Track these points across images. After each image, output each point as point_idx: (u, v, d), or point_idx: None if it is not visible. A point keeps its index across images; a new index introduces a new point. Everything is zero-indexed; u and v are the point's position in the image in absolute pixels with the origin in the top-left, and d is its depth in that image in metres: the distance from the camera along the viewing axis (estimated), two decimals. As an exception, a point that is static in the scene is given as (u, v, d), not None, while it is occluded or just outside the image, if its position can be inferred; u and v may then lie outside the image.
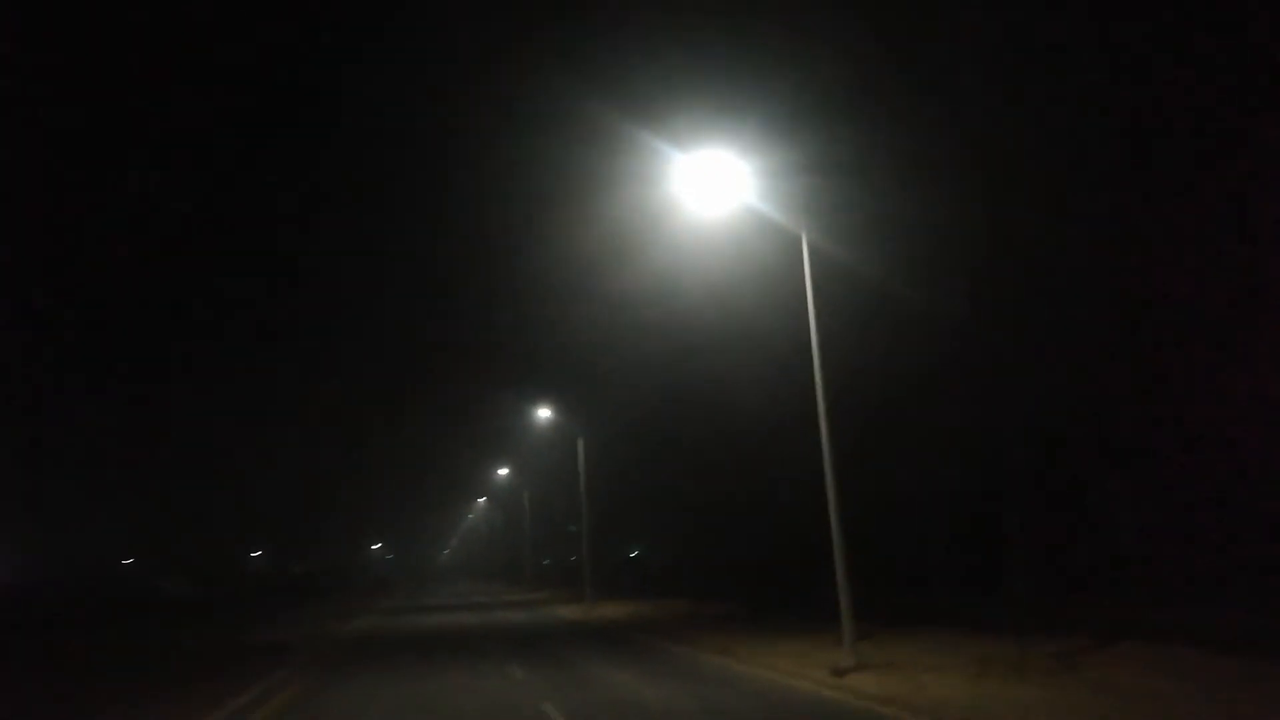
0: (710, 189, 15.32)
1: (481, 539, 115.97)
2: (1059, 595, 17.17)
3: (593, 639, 23.89)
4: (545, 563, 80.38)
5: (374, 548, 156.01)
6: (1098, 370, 16.99)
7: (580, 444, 37.61)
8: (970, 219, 17.77)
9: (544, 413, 42.19)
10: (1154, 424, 16.04)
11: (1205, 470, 15.44)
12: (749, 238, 16.65)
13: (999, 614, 18.05)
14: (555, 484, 52.11)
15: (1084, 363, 17.14)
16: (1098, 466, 16.97)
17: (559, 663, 18.18)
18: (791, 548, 26.36)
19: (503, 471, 68.29)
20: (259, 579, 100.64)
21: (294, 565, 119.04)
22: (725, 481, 33.15)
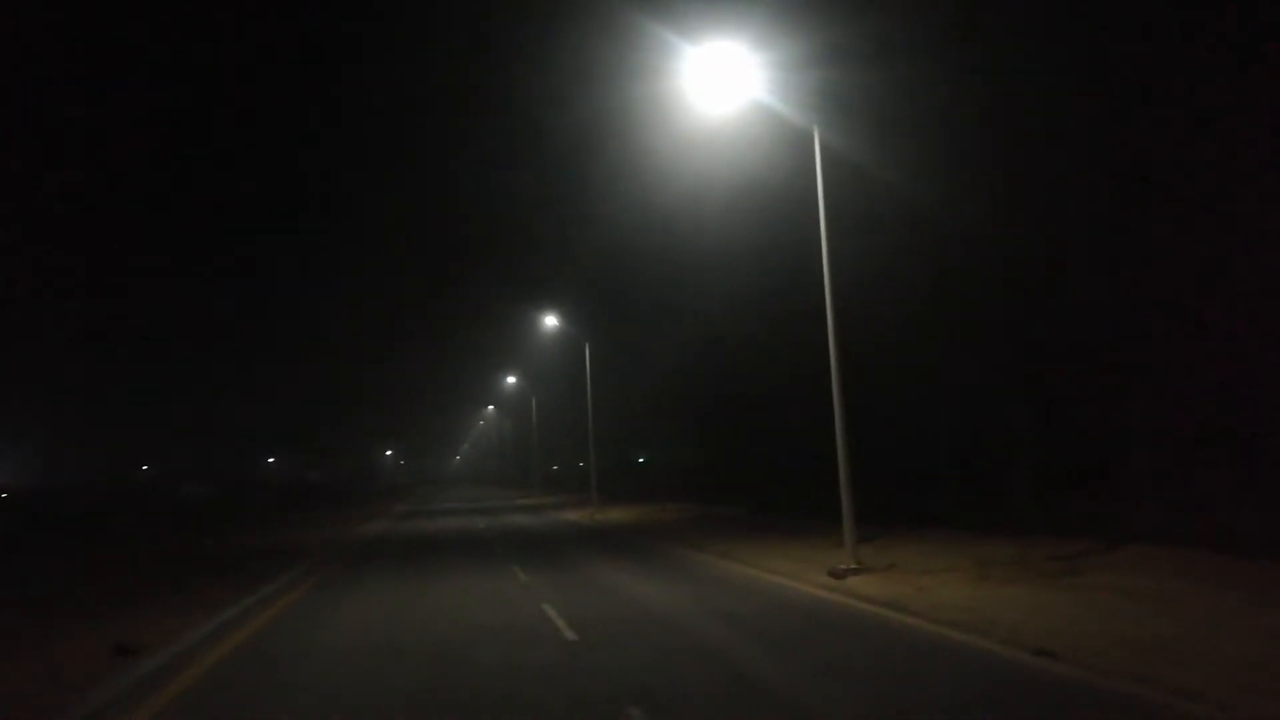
0: (719, 83, 14.68)
1: (492, 446, 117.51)
2: (1064, 499, 17.08)
3: (597, 541, 24.16)
4: (554, 468, 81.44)
5: (387, 454, 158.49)
6: (1114, 268, 16.47)
7: (587, 349, 37.50)
8: (990, 114, 17.03)
9: (551, 320, 41.99)
10: (1169, 317, 15.52)
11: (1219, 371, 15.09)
12: (759, 135, 16.01)
13: (1003, 518, 18.06)
14: (563, 391, 52.26)
15: (1102, 259, 16.60)
16: (1110, 365, 16.61)
17: (562, 564, 18.37)
18: (799, 452, 26.34)
19: (511, 380, 68.62)
20: (276, 484, 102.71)
21: (310, 471, 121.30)
22: (733, 384, 32.99)
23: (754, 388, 30.33)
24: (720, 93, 14.87)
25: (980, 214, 17.19)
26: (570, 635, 10.45)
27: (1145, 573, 12.22)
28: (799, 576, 14.45)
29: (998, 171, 18.11)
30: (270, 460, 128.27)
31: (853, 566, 13.94)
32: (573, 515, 36.64)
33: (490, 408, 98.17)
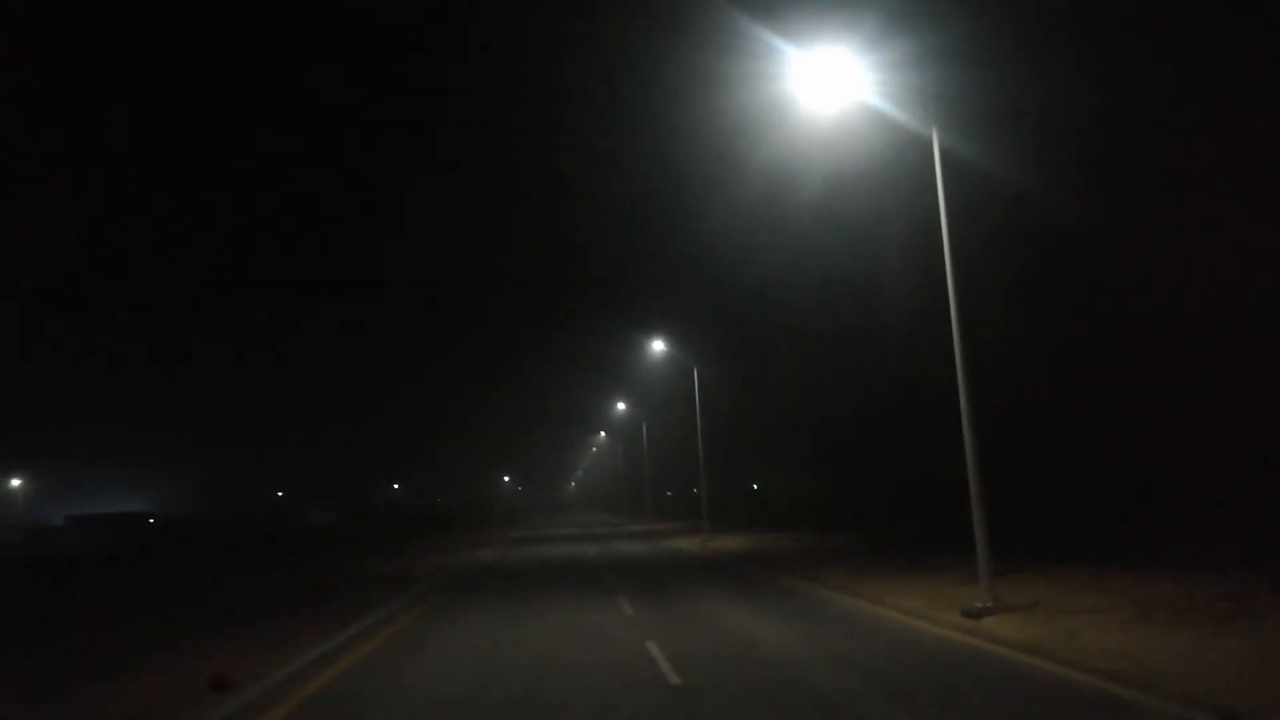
0: (827, 86, 13.86)
1: (605, 471, 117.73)
2: (1223, 530, 15.26)
3: (708, 572, 23.24)
4: (668, 494, 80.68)
5: (504, 480, 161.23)
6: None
7: (695, 373, 36.73)
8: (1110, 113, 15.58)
9: (658, 345, 41.41)
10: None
11: None
12: (870, 138, 15.02)
13: (1150, 550, 16.31)
14: (675, 417, 51.57)
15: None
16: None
17: (670, 597, 17.55)
18: (920, 478, 24.79)
19: (621, 406, 68.41)
20: (398, 510, 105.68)
21: (431, 497, 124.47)
22: (851, 409, 31.58)
23: (872, 411, 28.88)
24: (830, 96, 14.03)
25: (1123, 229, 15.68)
26: (675, 679, 9.61)
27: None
28: (927, 615, 13.21)
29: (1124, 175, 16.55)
30: (394, 487, 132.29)
31: (989, 605, 12.63)
32: (684, 543, 35.75)
33: (602, 434, 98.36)
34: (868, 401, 28.35)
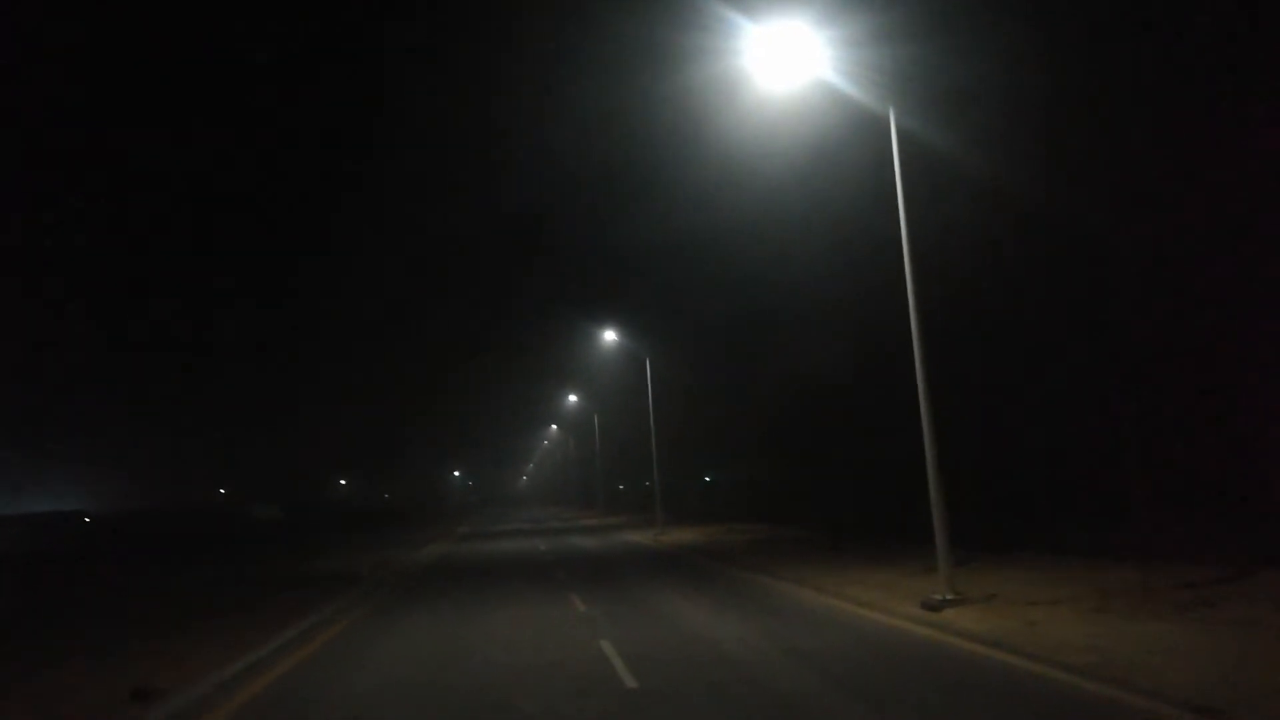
0: (784, 61, 13.39)
1: (557, 465, 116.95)
2: (1182, 518, 15.19)
3: (661, 565, 22.81)
4: (620, 488, 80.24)
5: (454, 475, 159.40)
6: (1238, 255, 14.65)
7: (648, 365, 36.29)
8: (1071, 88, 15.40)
9: (610, 335, 40.87)
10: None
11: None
12: (825, 116, 14.63)
13: (1113, 540, 16.22)
14: (626, 408, 51.09)
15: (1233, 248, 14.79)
16: (1239, 363, 14.74)
17: (623, 592, 17.06)
18: (876, 467, 24.59)
19: (573, 398, 67.75)
20: (345, 505, 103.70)
21: (379, 492, 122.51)
22: (803, 396, 31.29)
23: (825, 399, 28.62)
24: (785, 72, 13.57)
25: (1076, 202, 15.51)
26: (630, 682, 9.12)
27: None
28: (886, 608, 12.89)
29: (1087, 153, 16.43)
30: (341, 482, 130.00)
31: (949, 597, 12.33)
32: (636, 537, 35.32)
33: (554, 427, 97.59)
34: (824, 389, 28.08)
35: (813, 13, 13.23)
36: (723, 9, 13.90)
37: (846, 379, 26.02)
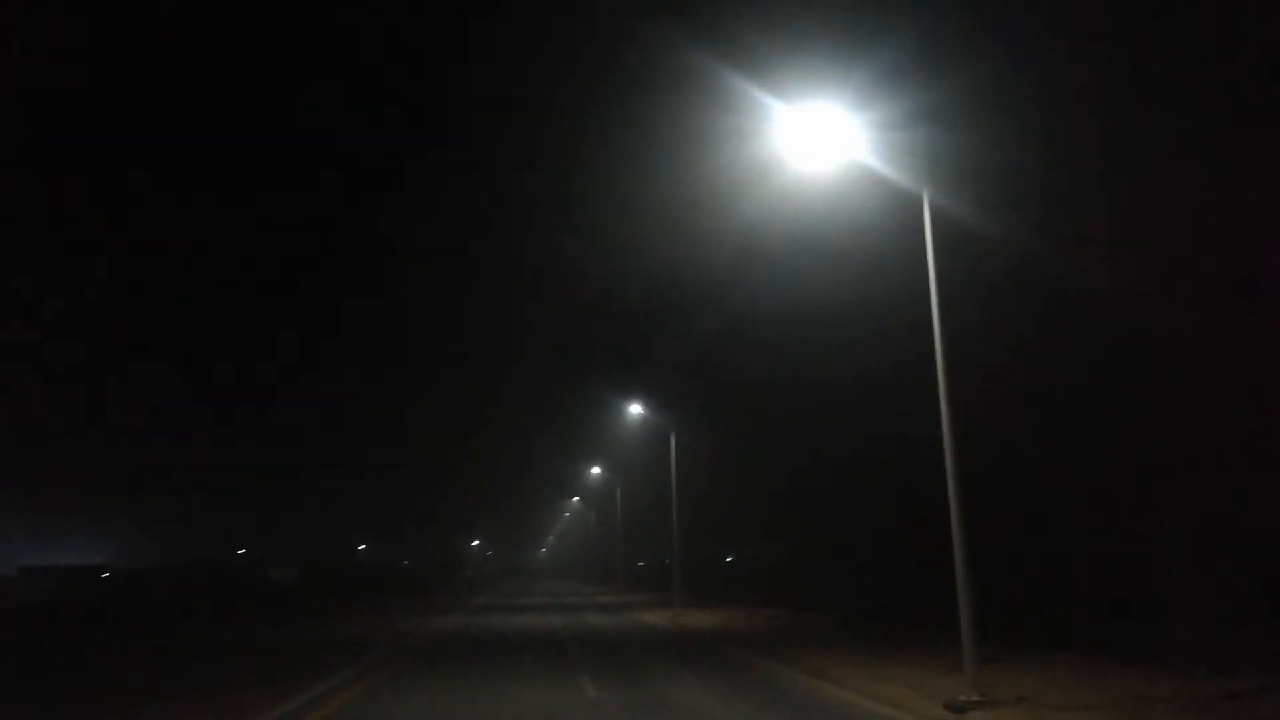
0: (817, 143, 13.48)
1: (577, 538, 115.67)
2: (1228, 622, 14.48)
3: (678, 650, 22.10)
4: (640, 564, 78.98)
5: (474, 544, 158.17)
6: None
7: (673, 439, 35.90)
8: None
9: (635, 408, 40.59)
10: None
11: None
12: (859, 199, 14.60)
13: (1146, 641, 15.49)
14: (648, 481, 50.53)
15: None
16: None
17: (637, 677, 16.46)
18: (903, 554, 23.91)
19: (596, 470, 67.24)
20: (363, 570, 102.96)
21: (397, 559, 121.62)
22: (831, 479, 30.69)
23: (852, 482, 28.06)
24: (818, 154, 13.64)
25: (1114, 289, 15.24)
26: (635, 776, 8.62)
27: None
28: (911, 707, 12.26)
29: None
30: (360, 547, 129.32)
31: (974, 699, 11.73)
32: (654, 617, 34.46)
33: (576, 499, 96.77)
34: (850, 467, 27.55)
35: (849, 94, 13.35)
36: (757, 92, 14.05)
37: (873, 458, 25.53)
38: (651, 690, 14.79)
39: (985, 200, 13.31)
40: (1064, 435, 17.99)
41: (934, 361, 12.51)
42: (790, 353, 32.97)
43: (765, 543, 42.98)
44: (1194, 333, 15.08)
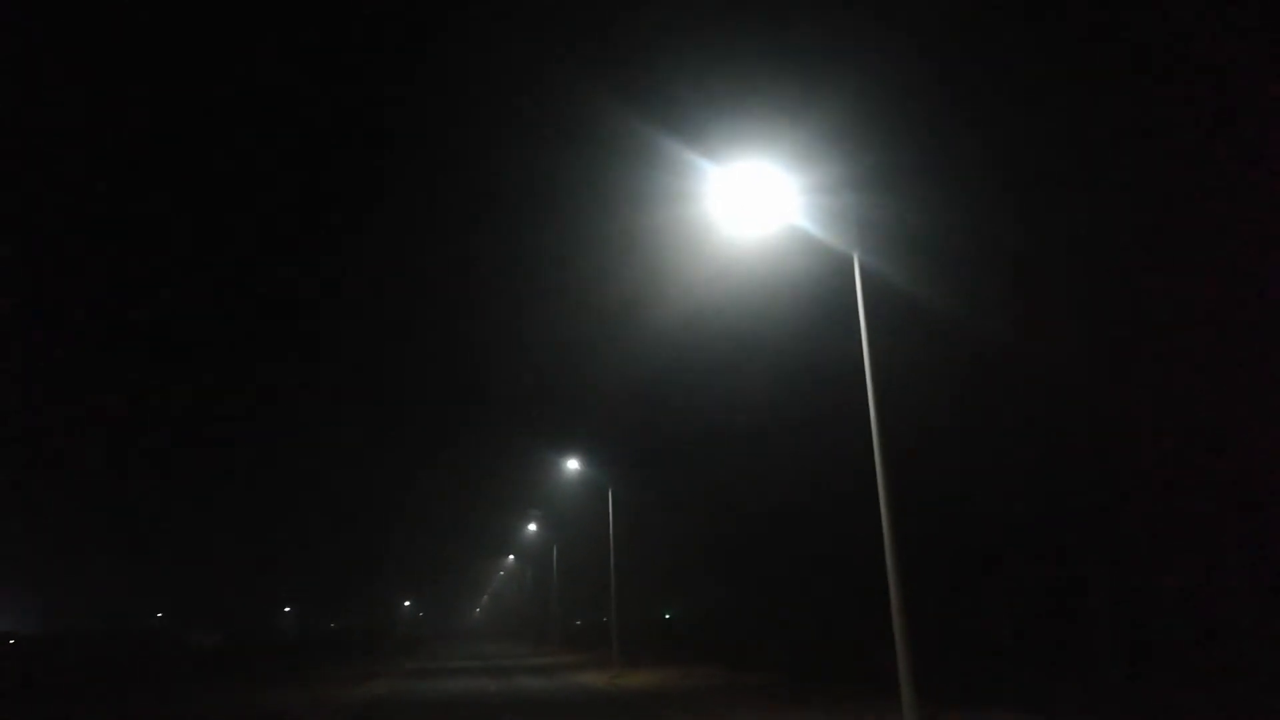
0: (751, 206, 13.79)
1: (513, 597, 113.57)
2: (1150, 675, 14.76)
3: (616, 714, 21.67)
4: (577, 623, 77.67)
5: (405, 605, 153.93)
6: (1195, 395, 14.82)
7: (610, 494, 35.68)
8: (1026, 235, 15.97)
9: (572, 464, 40.31)
10: None
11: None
12: (791, 259, 14.93)
13: (1079, 694, 15.67)
14: (585, 541, 50.02)
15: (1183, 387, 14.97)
16: (1209, 511, 14.66)
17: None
18: (839, 607, 23.97)
19: (532, 527, 66.37)
20: (288, 634, 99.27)
21: (324, 622, 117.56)
22: (769, 531, 30.78)
23: (790, 535, 28.18)
24: (752, 216, 13.94)
25: (1047, 351, 15.76)
26: None
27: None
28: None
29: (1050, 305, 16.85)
30: (286, 609, 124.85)
31: (914, 758, 11.69)
32: (591, 678, 33.82)
33: (511, 557, 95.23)
34: (786, 518, 27.71)
35: (782, 159, 13.70)
36: (690, 154, 14.33)
37: (812, 510, 25.73)
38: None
39: (914, 264, 13.72)
40: (997, 485, 18.39)
41: (868, 422, 12.71)
42: (727, 404, 33.23)
43: (706, 595, 42.75)
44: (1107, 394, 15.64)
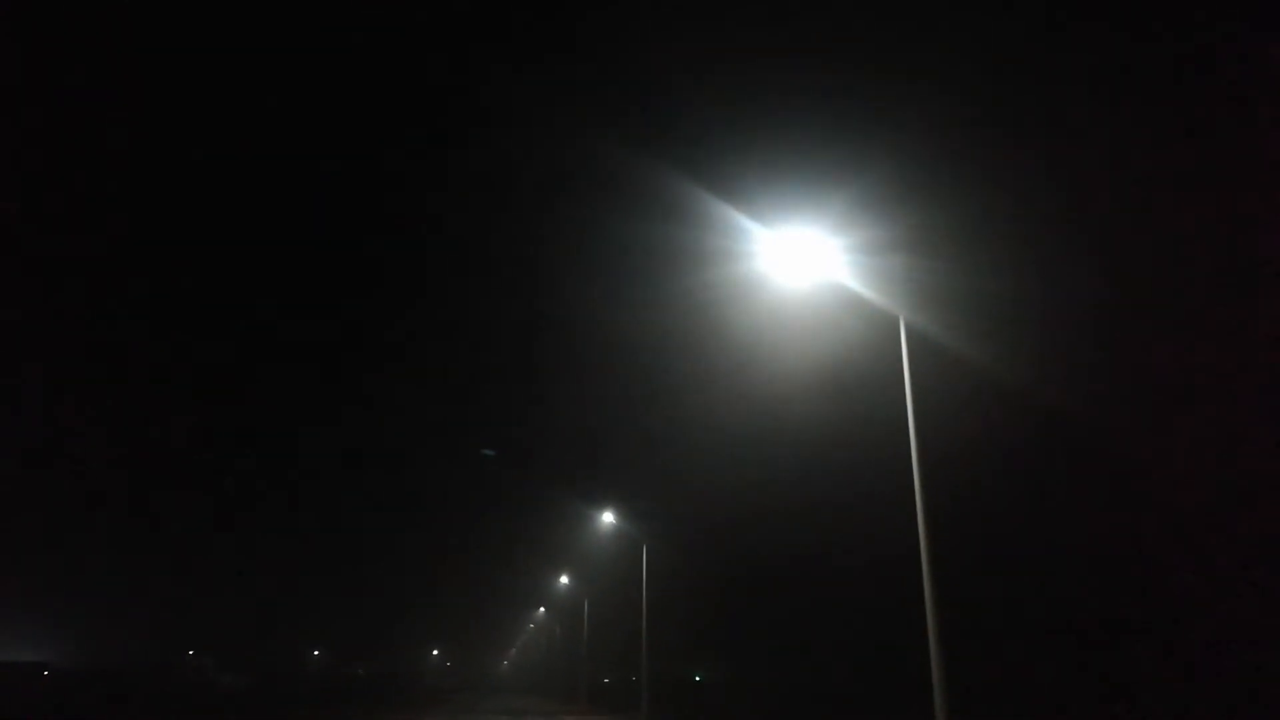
0: (797, 266, 14.07)
1: (541, 650, 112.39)
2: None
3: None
4: (605, 681, 76.54)
5: (433, 654, 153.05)
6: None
7: (644, 551, 35.43)
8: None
9: (608, 518, 40.16)
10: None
11: None
12: (837, 320, 15.06)
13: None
14: (617, 595, 49.59)
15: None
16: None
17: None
18: (878, 671, 23.48)
19: (564, 580, 65.91)
20: (317, 678, 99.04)
21: (353, 667, 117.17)
22: (805, 593, 30.33)
23: (831, 598, 27.75)
24: (799, 274, 14.17)
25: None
26: None
27: None
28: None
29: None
30: (315, 653, 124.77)
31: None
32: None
33: (541, 610, 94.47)
34: (824, 583, 27.32)
35: (828, 221, 13.93)
36: (739, 216, 14.64)
37: (848, 574, 25.36)
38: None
39: (959, 324, 13.76)
40: (1044, 554, 18.07)
41: (911, 486, 12.65)
42: (770, 461, 33.03)
43: (735, 661, 42.01)
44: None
